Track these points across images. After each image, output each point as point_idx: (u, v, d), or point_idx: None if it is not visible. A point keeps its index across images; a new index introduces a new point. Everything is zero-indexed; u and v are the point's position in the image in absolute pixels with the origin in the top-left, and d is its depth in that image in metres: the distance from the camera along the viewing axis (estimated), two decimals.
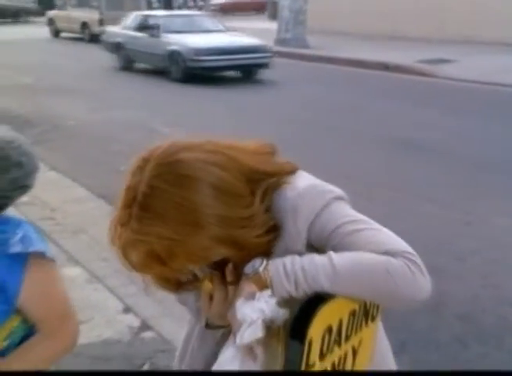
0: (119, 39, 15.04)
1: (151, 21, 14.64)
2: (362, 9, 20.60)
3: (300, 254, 1.13)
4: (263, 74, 13.62)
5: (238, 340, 1.08)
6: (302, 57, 16.36)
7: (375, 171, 6.75)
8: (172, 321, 3.31)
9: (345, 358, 1.18)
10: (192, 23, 14.81)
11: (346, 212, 1.19)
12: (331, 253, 1.10)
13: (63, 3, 25.31)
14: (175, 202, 1.10)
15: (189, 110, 10.25)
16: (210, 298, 1.28)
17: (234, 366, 1.15)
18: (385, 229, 1.17)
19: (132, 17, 15.53)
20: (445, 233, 5.12)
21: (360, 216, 1.19)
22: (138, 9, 23.01)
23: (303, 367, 1.05)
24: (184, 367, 1.54)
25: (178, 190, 1.11)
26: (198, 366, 1.42)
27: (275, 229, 1.17)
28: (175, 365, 1.60)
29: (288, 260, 1.11)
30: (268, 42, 18.19)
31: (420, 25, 19.00)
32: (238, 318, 1.10)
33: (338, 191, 1.23)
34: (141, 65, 15.01)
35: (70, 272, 3.92)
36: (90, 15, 22.28)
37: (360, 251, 1.10)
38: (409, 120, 9.28)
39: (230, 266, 1.20)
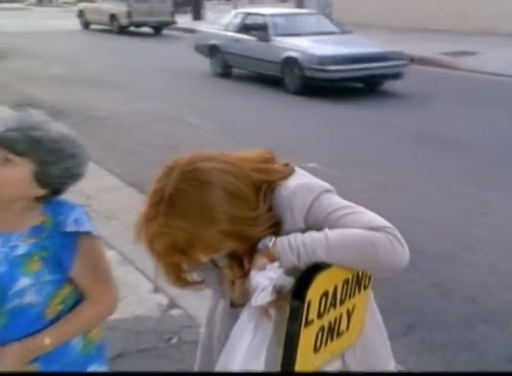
0: (215, 41, 13.15)
1: (257, 20, 12.67)
2: (386, 2, 20.67)
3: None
4: (392, 86, 11.60)
5: (253, 302, 1.36)
6: None
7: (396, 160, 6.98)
8: (197, 300, 3.57)
9: (340, 319, 1.45)
10: (304, 23, 12.66)
11: (334, 201, 1.45)
12: (326, 230, 1.36)
13: None
14: (195, 202, 1.37)
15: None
16: (233, 283, 1.56)
17: (251, 324, 1.43)
18: (368, 211, 1.43)
19: (232, 15, 13.66)
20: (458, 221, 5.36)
21: (346, 203, 1.45)
22: (165, 1, 23.46)
23: (303, 324, 1.32)
24: (209, 333, 1.81)
25: (198, 192, 1.38)
26: (224, 337, 1.68)
27: (276, 225, 1.44)
28: (202, 330, 1.88)
29: (292, 237, 1.38)
30: None
31: (444, 17, 19.05)
32: (252, 285, 1.37)
33: (325, 185, 1.49)
34: (240, 71, 13.12)
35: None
36: (118, 7, 22.72)
37: (350, 228, 1.36)
38: (431, 112, 9.44)
39: (246, 259, 1.48)
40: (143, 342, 3.32)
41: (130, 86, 11.95)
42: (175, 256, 1.43)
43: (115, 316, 2.03)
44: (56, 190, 1.77)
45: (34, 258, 1.72)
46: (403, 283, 4.25)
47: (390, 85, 11.52)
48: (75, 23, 25.01)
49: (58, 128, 1.73)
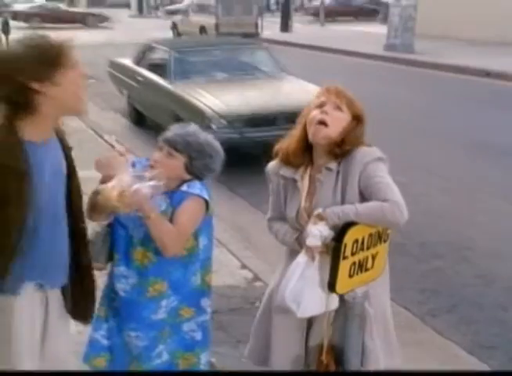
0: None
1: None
2: (469, 15, 20.87)
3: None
4: None
5: (307, 242, 2.25)
6: (408, 63, 17.09)
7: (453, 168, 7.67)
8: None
9: (367, 259, 2.30)
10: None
11: (382, 171, 2.34)
12: (356, 204, 2.24)
13: (186, 9, 27.42)
14: None
15: None
16: None
17: (303, 262, 2.31)
18: (392, 185, 2.29)
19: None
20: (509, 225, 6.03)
21: (387, 176, 2.33)
22: (250, 13, 24.84)
23: (341, 257, 2.19)
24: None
25: None
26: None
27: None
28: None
29: (335, 207, 2.26)
30: (377, 48, 19.19)
31: None
32: (307, 232, 2.26)
33: (384, 157, 2.38)
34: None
35: None
36: (207, 20, 24.37)
37: (371, 202, 2.23)
38: (494, 126, 9.94)
39: None
40: (233, 304, 4.24)
41: None
42: None
43: (214, 283, 2.89)
44: (199, 178, 2.67)
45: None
46: (453, 273, 5.03)
47: None
48: (169, 34, 26.65)
49: (205, 137, 2.66)
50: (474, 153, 8.46)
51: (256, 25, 25.04)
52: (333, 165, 2.38)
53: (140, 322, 2.68)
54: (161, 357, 2.73)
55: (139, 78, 9.37)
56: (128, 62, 10.21)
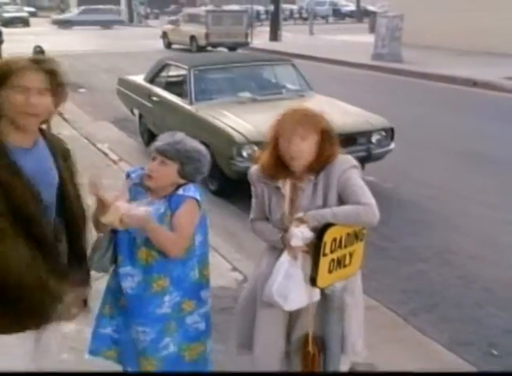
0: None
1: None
2: (456, 25, 21.27)
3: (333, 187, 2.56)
4: None
5: (292, 243, 2.48)
6: (395, 72, 17.42)
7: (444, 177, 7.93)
8: None
9: (345, 257, 2.53)
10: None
11: (356, 177, 2.58)
12: (333, 208, 2.48)
13: (176, 20, 27.82)
14: None
15: None
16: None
17: (286, 261, 2.54)
18: (366, 188, 2.53)
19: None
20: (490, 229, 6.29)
21: (359, 180, 2.57)
22: (240, 24, 25.21)
23: (321, 254, 2.41)
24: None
25: None
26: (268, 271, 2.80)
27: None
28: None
29: (314, 212, 2.49)
30: (365, 57, 19.51)
31: None
32: (291, 234, 2.49)
33: (357, 163, 2.63)
34: None
35: None
36: (198, 29, 24.78)
37: (347, 205, 2.46)
38: (481, 134, 10.25)
39: None
40: (224, 303, 4.45)
41: None
42: None
43: None
44: (191, 181, 2.90)
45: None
46: (435, 275, 5.27)
47: None
48: (159, 43, 26.97)
49: (192, 144, 2.88)
50: (460, 161, 8.73)
51: (246, 35, 25.47)
52: (313, 176, 2.63)
53: (146, 317, 2.89)
54: (168, 349, 2.94)
55: (154, 98, 8.73)
56: (139, 79, 9.62)
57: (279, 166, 2.66)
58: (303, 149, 2.56)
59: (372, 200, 2.49)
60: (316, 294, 2.57)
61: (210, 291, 3.10)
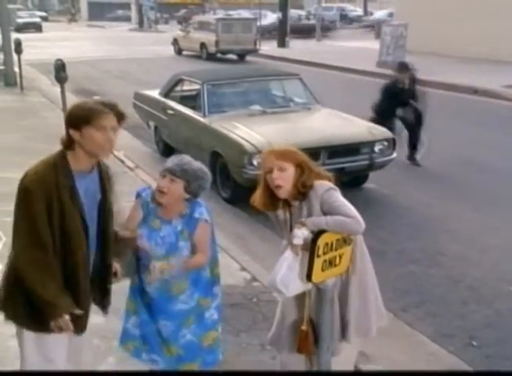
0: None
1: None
2: (459, 33, 21.71)
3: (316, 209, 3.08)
4: None
5: (294, 242, 3.01)
6: None
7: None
8: None
9: (335, 258, 3.06)
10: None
11: (335, 196, 3.09)
12: (327, 216, 3.00)
13: (186, 26, 28.45)
14: None
15: None
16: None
17: (289, 257, 3.07)
18: (349, 205, 3.04)
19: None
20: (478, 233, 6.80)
21: (341, 198, 3.08)
22: (250, 32, 25.76)
23: (316, 255, 2.94)
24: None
25: None
26: None
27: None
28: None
29: (312, 218, 3.03)
30: (370, 64, 19.99)
31: None
32: (293, 234, 3.03)
33: (334, 186, 3.13)
34: None
35: None
36: (208, 36, 25.35)
37: (338, 216, 2.99)
38: (479, 142, 10.76)
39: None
40: (233, 300, 4.99)
41: None
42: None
43: None
44: (195, 196, 3.45)
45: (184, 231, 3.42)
46: (425, 275, 5.79)
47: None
48: (170, 49, 27.62)
49: (196, 165, 3.42)
50: (457, 168, 9.26)
51: (255, 42, 26.05)
52: (297, 203, 3.19)
53: (168, 313, 3.49)
54: (185, 337, 3.54)
55: (169, 111, 9.19)
56: (155, 94, 10.08)
57: (273, 198, 3.21)
58: (283, 177, 3.10)
59: (356, 214, 3.02)
60: (309, 284, 3.13)
61: (220, 286, 3.69)
